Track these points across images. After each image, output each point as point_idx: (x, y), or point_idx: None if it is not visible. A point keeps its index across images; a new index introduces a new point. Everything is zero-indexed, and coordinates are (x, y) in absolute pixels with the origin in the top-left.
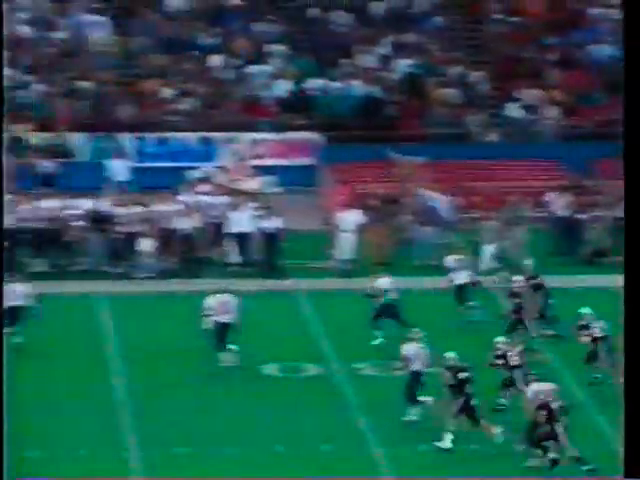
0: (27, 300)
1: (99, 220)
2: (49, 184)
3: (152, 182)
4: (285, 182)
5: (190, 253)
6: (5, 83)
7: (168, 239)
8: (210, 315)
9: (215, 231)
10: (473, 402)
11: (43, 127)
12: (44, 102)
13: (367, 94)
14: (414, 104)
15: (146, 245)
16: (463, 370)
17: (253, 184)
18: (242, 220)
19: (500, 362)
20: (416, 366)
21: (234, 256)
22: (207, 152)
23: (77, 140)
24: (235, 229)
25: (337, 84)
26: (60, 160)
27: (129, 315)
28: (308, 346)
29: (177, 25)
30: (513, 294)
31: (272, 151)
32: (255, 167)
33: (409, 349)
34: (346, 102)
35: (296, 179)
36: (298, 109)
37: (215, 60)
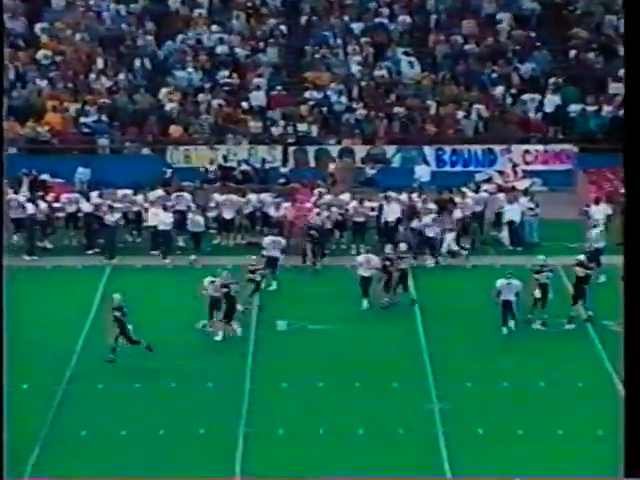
0: None
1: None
2: (370, 184)
3: (448, 183)
4: (548, 183)
5: (479, 235)
6: (336, 108)
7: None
8: None
9: (495, 219)
10: None
11: (366, 141)
12: (368, 122)
13: (614, 116)
14: None
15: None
16: None
17: (524, 184)
18: (514, 211)
19: None
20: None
21: (505, 238)
22: (490, 160)
23: (391, 151)
24: (509, 218)
25: (591, 108)
26: (379, 166)
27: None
28: None
29: (468, 62)
30: None
31: (538, 159)
32: (525, 171)
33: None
34: (597, 121)
35: (556, 180)
36: (561, 126)
37: (497, 89)
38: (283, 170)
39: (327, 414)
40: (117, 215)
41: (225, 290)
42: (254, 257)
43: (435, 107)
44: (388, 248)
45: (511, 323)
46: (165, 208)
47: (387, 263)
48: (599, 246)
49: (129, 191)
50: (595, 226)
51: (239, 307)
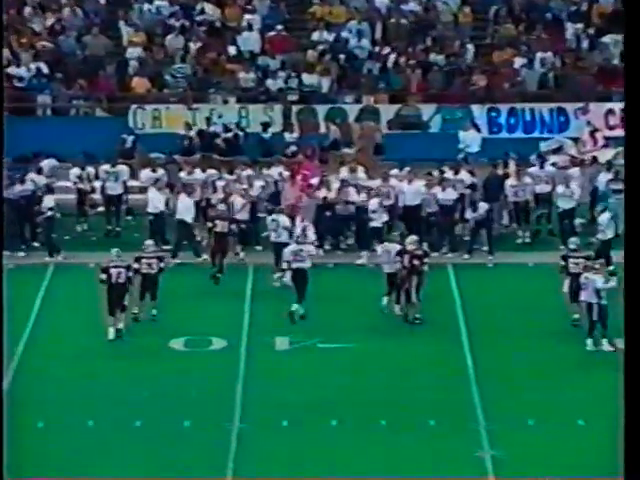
0: None
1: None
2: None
3: (503, 153)
4: None
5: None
6: (355, 55)
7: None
8: None
9: None
10: None
11: (395, 98)
12: (396, 73)
13: None
14: None
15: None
16: None
17: (606, 155)
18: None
19: None
20: None
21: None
22: (560, 123)
23: (429, 111)
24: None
25: None
26: (411, 131)
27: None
28: None
29: None
30: None
31: None
32: (608, 138)
33: None
34: None
35: None
36: None
37: (570, 29)
38: (288, 137)
39: (342, 461)
40: (54, 198)
41: (102, 276)
42: None
43: (486, 53)
44: (409, 242)
45: (590, 339)
46: (188, 192)
47: (415, 262)
48: (610, 237)
49: (54, 162)
50: (605, 210)
51: (125, 302)
